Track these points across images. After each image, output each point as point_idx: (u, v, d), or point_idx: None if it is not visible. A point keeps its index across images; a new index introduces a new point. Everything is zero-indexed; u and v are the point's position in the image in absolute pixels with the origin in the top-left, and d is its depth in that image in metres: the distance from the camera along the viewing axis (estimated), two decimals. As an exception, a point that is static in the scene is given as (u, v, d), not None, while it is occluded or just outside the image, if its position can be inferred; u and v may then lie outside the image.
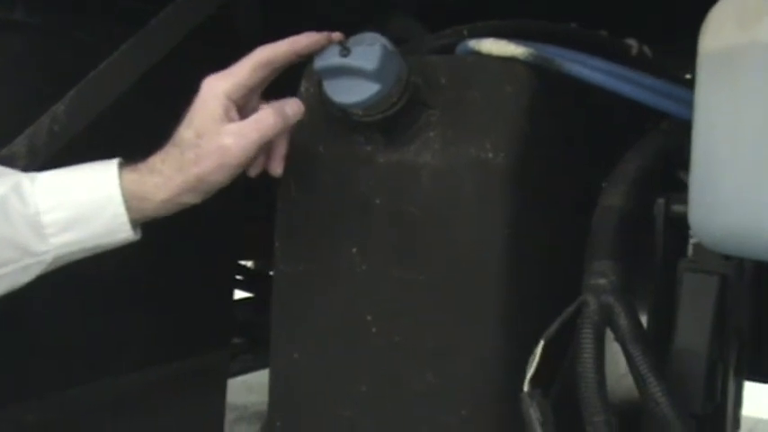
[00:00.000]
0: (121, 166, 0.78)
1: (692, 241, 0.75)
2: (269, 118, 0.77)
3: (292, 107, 0.80)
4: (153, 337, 1.29)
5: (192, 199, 0.78)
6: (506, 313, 0.79)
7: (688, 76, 0.98)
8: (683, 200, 0.78)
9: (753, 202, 0.50)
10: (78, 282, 1.08)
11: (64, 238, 0.77)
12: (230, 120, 0.77)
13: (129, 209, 0.77)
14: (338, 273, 0.85)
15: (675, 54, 0.97)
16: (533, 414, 0.69)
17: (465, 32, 0.89)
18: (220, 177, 0.77)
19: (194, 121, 0.77)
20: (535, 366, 0.70)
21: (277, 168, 0.83)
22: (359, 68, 0.76)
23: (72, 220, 0.77)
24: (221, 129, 0.76)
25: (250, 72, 0.78)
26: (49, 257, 0.77)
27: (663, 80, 0.84)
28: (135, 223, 0.79)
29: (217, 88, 0.77)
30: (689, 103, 0.78)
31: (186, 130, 0.77)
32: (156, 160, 0.78)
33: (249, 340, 1.87)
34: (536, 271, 0.82)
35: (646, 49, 1.02)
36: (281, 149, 0.82)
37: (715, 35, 0.55)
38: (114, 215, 0.77)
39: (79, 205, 0.77)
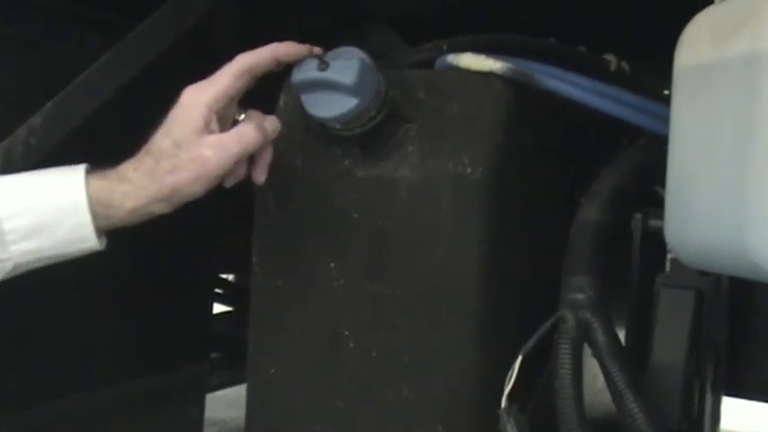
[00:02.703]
0: (89, 172, 0.76)
1: (669, 256, 0.75)
2: (250, 132, 0.77)
3: (271, 124, 0.79)
4: (129, 350, 1.28)
5: (162, 209, 0.77)
6: (483, 328, 0.78)
7: (666, 92, 0.99)
8: (660, 215, 0.78)
9: (728, 218, 0.50)
10: (50, 293, 1.07)
11: (25, 246, 0.75)
12: (211, 131, 0.76)
13: (95, 217, 0.75)
14: (315, 287, 0.85)
15: (656, 70, 0.98)
16: (510, 430, 0.69)
17: (444, 47, 0.89)
18: (196, 189, 0.76)
19: (173, 131, 0.75)
20: (513, 382, 0.70)
21: (260, 176, 0.81)
22: (337, 82, 0.76)
23: (34, 227, 0.74)
24: (201, 140, 0.75)
25: (232, 80, 0.77)
26: (9, 265, 0.75)
27: (640, 96, 0.85)
28: (100, 232, 0.77)
29: (199, 99, 0.76)
30: (666, 119, 0.79)
31: (164, 140, 0.75)
32: (127, 168, 0.76)
33: (229, 355, 1.85)
34: (513, 286, 0.82)
35: (624, 64, 1.03)
36: (265, 158, 0.81)
37: (690, 51, 0.55)
38: (79, 224, 0.75)
39: (42, 212, 0.74)
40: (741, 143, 0.49)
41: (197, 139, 0.75)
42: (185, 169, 0.75)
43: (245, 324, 0.92)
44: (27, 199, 0.75)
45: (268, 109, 0.86)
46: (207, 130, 0.75)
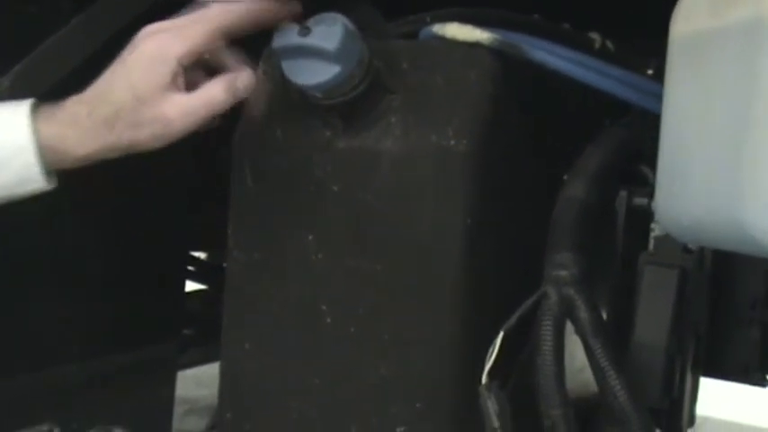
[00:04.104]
0: (36, 109, 0.72)
1: (653, 234, 0.74)
2: (219, 95, 0.73)
3: (244, 81, 0.75)
4: (98, 326, 1.25)
5: (114, 155, 0.74)
6: (465, 304, 0.77)
7: (650, 71, 0.98)
8: (645, 193, 0.78)
9: (723, 191, 0.49)
10: (21, 269, 1.04)
11: None
12: (177, 88, 0.72)
13: (44, 159, 0.72)
14: (293, 261, 0.83)
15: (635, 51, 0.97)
16: (491, 406, 0.68)
17: (428, 19, 0.87)
18: (155, 145, 0.73)
19: (137, 85, 0.71)
20: (494, 358, 0.69)
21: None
22: (319, 49, 0.74)
23: None
24: (167, 98, 0.71)
25: (205, 39, 0.72)
26: None
27: (627, 71, 0.83)
28: (50, 172, 0.74)
29: (168, 53, 0.71)
30: (653, 95, 0.78)
31: (125, 92, 0.71)
32: (80, 111, 0.72)
33: (200, 332, 1.83)
34: (497, 261, 0.80)
35: (608, 42, 1.02)
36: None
37: (687, 20, 0.54)
38: (25, 164, 0.72)
39: None
40: (739, 113, 0.48)
41: (162, 97, 0.71)
42: (147, 127, 0.72)
43: (217, 302, 0.90)
44: None
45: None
46: (174, 86, 0.72)
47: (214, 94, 0.73)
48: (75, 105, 0.73)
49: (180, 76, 0.72)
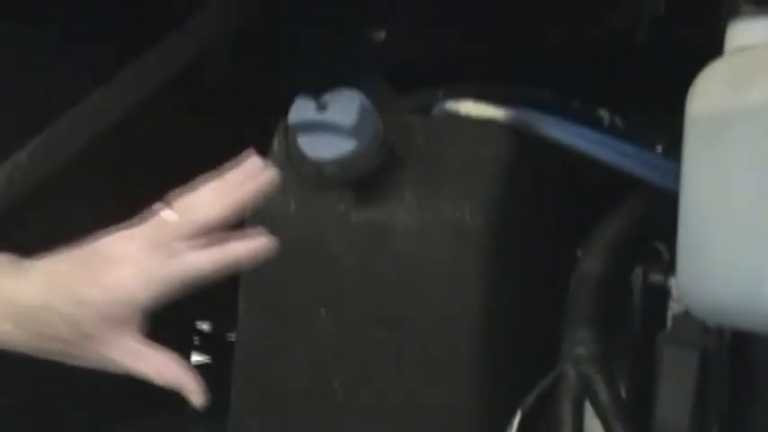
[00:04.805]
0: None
1: (671, 312, 0.73)
2: (171, 366, 0.64)
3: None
4: (97, 397, 1.23)
5: None
6: (480, 380, 0.76)
7: (659, 147, 0.99)
8: (660, 269, 0.77)
9: (746, 270, 0.48)
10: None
11: None
12: (132, 327, 0.62)
13: None
14: (305, 334, 0.82)
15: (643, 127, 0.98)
16: (509, 488, 0.66)
17: (440, 93, 0.89)
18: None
19: (82, 322, 0.60)
20: (512, 438, 0.67)
21: None
22: (336, 124, 0.75)
23: None
24: (116, 342, 0.62)
25: (173, 289, 0.62)
26: None
27: (639, 149, 0.84)
28: None
29: (128, 296, 0.60)
30: (666, 172, 0.78)
31: (68, 326, 0.60)
32: (20, 315, 0.61)
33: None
34: (512, 335, 0.79)
35: (617, 119, 1.03)
36: None
37: (704, 99, 0.54)
38: None
39: None
40: (759, 192, 0.48)
41: (111, 340, 0.62)
42: (84, 362, 0.63)
43: (222, 374, 0.88)
44: None
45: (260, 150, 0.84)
46: (128, 326, 0.62)
47: (166, 365, 0.64)
48: (24, 300, 0.62)
49: (137, 314, 0.63)
